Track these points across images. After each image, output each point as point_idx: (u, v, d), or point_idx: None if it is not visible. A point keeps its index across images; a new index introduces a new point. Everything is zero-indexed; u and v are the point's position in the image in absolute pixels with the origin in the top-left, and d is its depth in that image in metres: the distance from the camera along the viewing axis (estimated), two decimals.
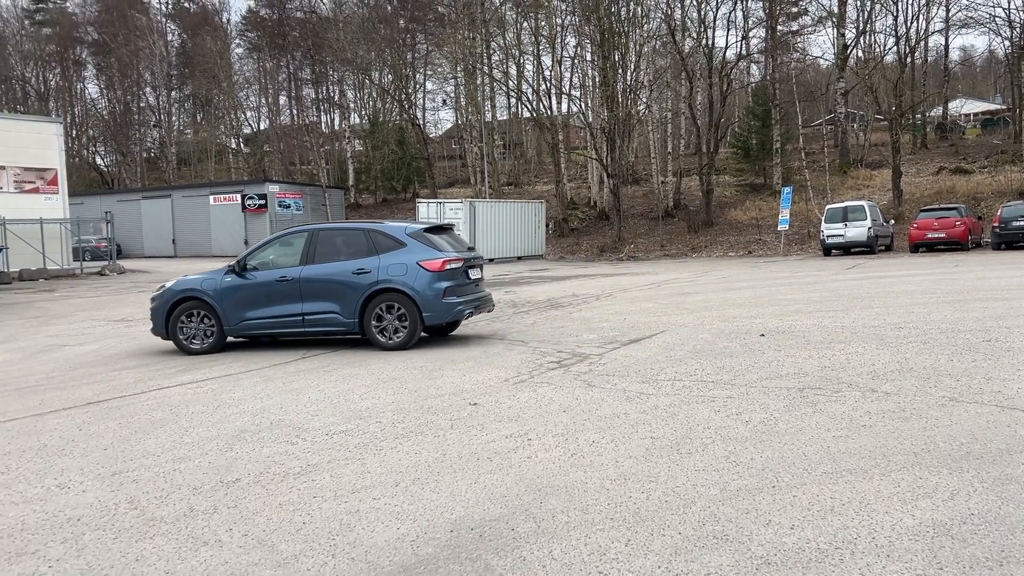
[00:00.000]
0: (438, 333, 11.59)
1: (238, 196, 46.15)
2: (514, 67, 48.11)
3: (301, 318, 10.70)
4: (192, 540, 4.26)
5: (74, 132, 64.47)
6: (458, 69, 50.81)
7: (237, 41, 66.99)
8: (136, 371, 9.93)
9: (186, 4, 71.26)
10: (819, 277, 19.96)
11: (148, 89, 65.74)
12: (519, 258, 35.58)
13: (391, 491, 4.93)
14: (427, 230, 11.12)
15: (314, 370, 9.47)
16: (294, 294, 10.68)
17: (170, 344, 11.44)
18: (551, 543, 4.01)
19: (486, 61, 47.10)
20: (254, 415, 7.20)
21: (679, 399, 7.00)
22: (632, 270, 26.02)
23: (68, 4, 71.83)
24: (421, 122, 56.15)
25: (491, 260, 33.73)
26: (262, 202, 45.06)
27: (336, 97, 59.77)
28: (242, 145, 65.57)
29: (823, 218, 30.23)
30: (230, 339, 11.39)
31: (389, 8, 57.86)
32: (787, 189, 33.44)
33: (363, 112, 58.80)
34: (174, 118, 68.36)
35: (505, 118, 57.33)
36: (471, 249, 12.13)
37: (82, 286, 26.95)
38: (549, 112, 43.95)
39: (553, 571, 3.71)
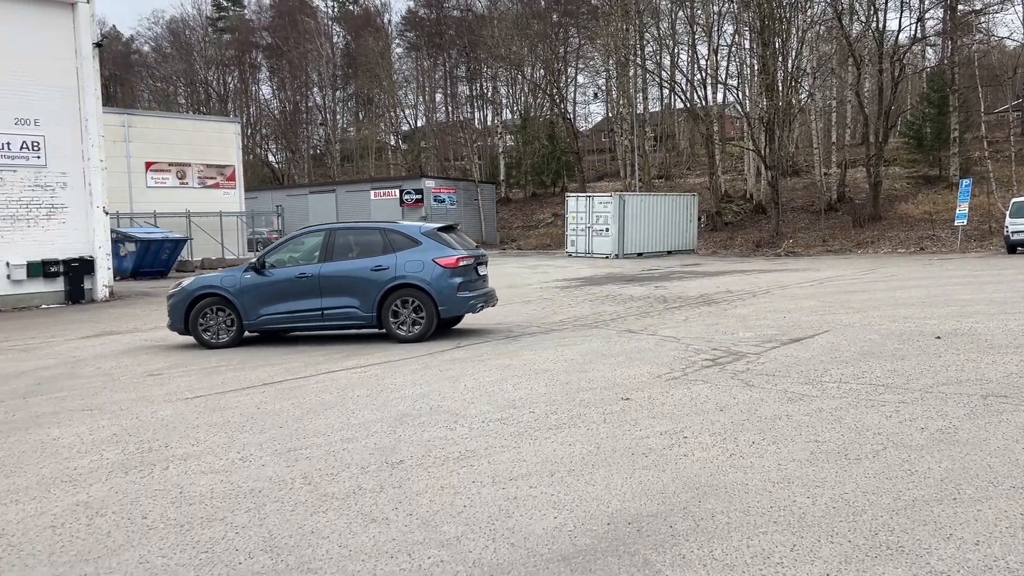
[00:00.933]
0: (440, 327, 11.61)
1: (396, 191, 48.03)
2: (668, 57, 47.26)
3: (320, 312, 11.22)
4: (361, 517, 4.49)
5: (249, 131, 69.20)
6: (610, 61, 50.50)
7: (397, 41, 69.67)
8: (304, 355, 10.55)
9: (350, 7, 74.81)
10: (1002, 276, 18.36)
11: (315, 89, 69.68)
12: (669, 253, 34.96)
13: (547, 480, 4.99)
14: (440, 229, 11.73)
15: (468, 359, 9.73)
16: (313, 290, 11.18)
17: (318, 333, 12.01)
18: (711, 543, 3.93)
19: (639, 52, 46.49)
20: (414, 400, 7.49)
21: (846, 402, 6.66)
22: (791, 266, 24.95)
23: (246, 11, 77.23)
24: (571, 116, 56.29)
25: (640, 254, 33.33)
26: (418, 197, 46.68)
27: (489, 93, 60.98)
28: (400, 142, 68.19)
29: (1007, 212, 27.77)
30: (247, 334, 11.66)
31: (543, 3, 58.28)
32: (966, 181, 30.95)
33: (515, 107, 59.64)
34: (338, 116, 72.05)
35: (657, 110, 56.41)
36: (478, 247, 12.61)
37: None
38: (704, 102, 42.86)
39: (714, 571, 3.63)
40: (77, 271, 18.95)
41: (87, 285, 19.23)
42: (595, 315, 13.76)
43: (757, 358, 8.94)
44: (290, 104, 70.69)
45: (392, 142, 69.93)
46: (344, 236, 11.59)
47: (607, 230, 33.33)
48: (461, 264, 11.21)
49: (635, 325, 12.23)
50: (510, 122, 59.72)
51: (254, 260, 11.62)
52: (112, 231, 21.10)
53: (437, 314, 11.07)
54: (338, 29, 72.48)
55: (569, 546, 3.97)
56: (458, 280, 11.14)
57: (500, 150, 57.63)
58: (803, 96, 40.50)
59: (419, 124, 65.93)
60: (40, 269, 18.35)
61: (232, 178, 35.08)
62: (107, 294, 19.56)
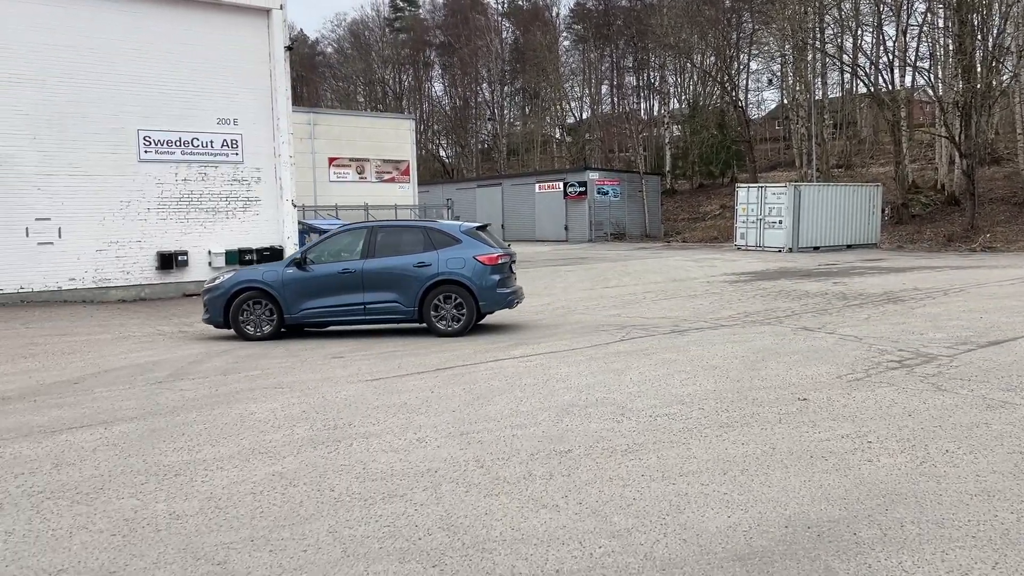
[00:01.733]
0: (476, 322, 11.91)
1: (560, 184, 48.35)
2: (850, 40, 44.52)
3: (363, 307, 11.57)
4: (532, 502, 4.58)
5: (422, 127, 71.98)
6: (786, 46, 48.24)
7: (564, 34, 70.00)
8: (473, 343, 10.87)
9: (520, 2, 75.92)
10: None
11: (484, 85, 71.36)
12: (848, 247, 32.99)
13: (719, 479, 4.87)
14: (478, 228, 12.16)
15: (633, 353, 9.66)
16: (356, 285, 11.52)
17: (484, 321, 12.32)
18: (900, 554, 3.69)
19: (818, 35, 44.11)
20: (580, 391, 7.53)
21: None
22: (988, 263, 22.87)
23: (421, 11, 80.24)
24: (743, 104, 54.31)
25: (816, 248, 31.69)
26: (582, 189, 46.75)
27: (656, 83, 60.00)
28: (565, 135, 68.55)
29: None
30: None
31: None
32: None
33: (683, 97, 58.35)
34: (505, 111, 73.45)
35: (836, 95, 53.35)
36: (508, 246, 12.87)
37: None
38: (889, 87, 40.05)
39: None
40: (268, 259, 20.45)
41: None
42: (767, 311, 13.25)
43: (950, 361, 8.28)
44: (460, 100, 72.85)
45: (557, 135, 70.45)
46: (385, 233, 11.99)
47: (780, 222, 31.94)
48: (500, 262, 11.66)
49: (811, 323, 11.66)
50: (677, 112, 58.50)
51: (298, 255, 11.94)
52: (299, 222, 22.61)
53: (477, 309, 11.54)
54: (507, 24, 73.77)
55: (744, 546, 3.86)
56: (497, 277, 11.62)
57: (666, 140, 56.61)
58: (1005, 78, 36.93)
59: (584, 116, 65.98)
60: (236, 257, 19.96)
61: (406, 172, 36.62)
62: None
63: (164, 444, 6.05)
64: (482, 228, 12.39)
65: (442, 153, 76.76)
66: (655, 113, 61.70)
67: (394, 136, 36.40)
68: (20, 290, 17.04)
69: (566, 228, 48.13)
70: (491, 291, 11.54)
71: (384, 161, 36.36)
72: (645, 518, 4.27)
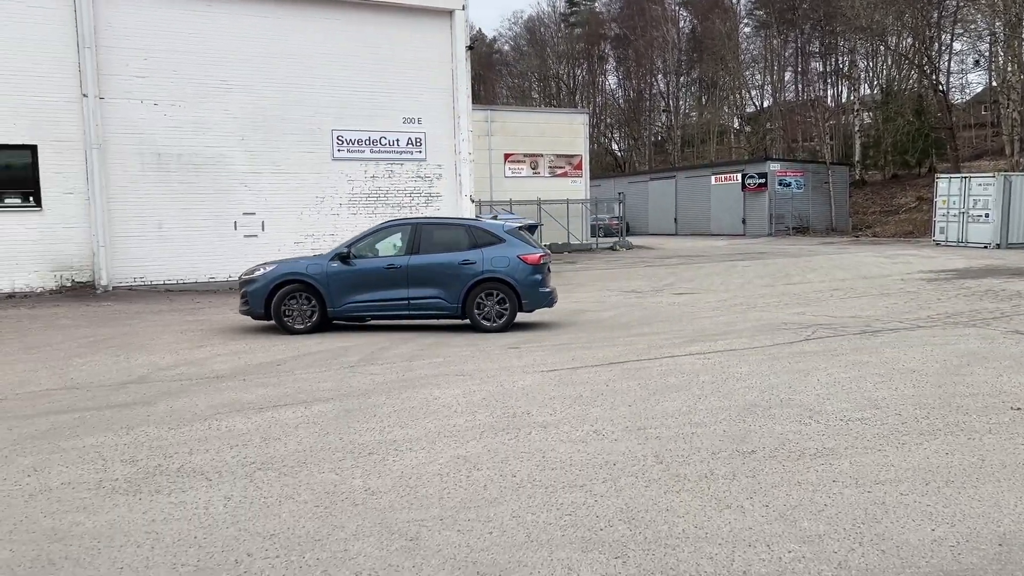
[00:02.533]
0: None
1: (738, 175, 46.77)
2: None
3: (407, 302, 11.71)
4: (715, 501, 4.48)
5: (594, 121, 71.97)
6: (996, 23, 43.95)
7: (745, 21, 67.54)
8: (648, 337, 10.76)
9: None
10: None
11: (659, 76, 70.25)
12: None
13: (920, 489, 4.55)
14: (520, 228, 12.46)
15: (819, 353, 9.19)
16: (401, 280, 11.66)
17: (657, 317, 12.12)
18: None
19: None
20: (762, 391, 7.27)
21: None
22: None
23: (596, 4, 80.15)
24: (943, 88, 50.06)
25: None
26: (762, 181, 44.97)
27: (845, 68, 56.55)
28: (744, 124, 66.18)
29: None
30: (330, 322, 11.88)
31: None
32: None
33: (875, 82, 54.64)
34: (680, 102, 71.95)
35: None
36: (546, 246, 12.52)
37: (597, 259, 30.10)
38: None
39: None
40: None
41: None
42: (971, 312, 12.18)
43: None
44: (634, 92, 72.15)
45: (735, 125, 68.13)
46: (430, 231, 12.11)
47: (986, 216, 29.23)
48: (542, 262, 11.92)
49: None
50: (868, 98, 54.87)
51: (342, 250, 11.87)
52: (475, 217, 23.31)
53: (520, 307, 11.80)
54: (684, 14, 72.20)
55: (952, 563, 3.59)
56: (539, 276, 11.89)
57: (856, 129, 53.25)
58: None
59: (765, 105, 63.38)
60: None
61: (579, 167, 36.78)
62: None
63: (358, 424, 6.45)
64: (531, 229, 12.55)
65: (614, 147, 76.41)
66: (843, 100, 58.28)
67: (567, 131, 36.65)
68: (230, 278, 18.70)
69: (743, 221, 46.51)
70: (534, 290, 11.84)
71: (557, 156, 36.70)
72: (838, 525, 4.06)
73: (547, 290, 12.10)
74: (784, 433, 5.82)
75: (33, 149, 16.88)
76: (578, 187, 36.56)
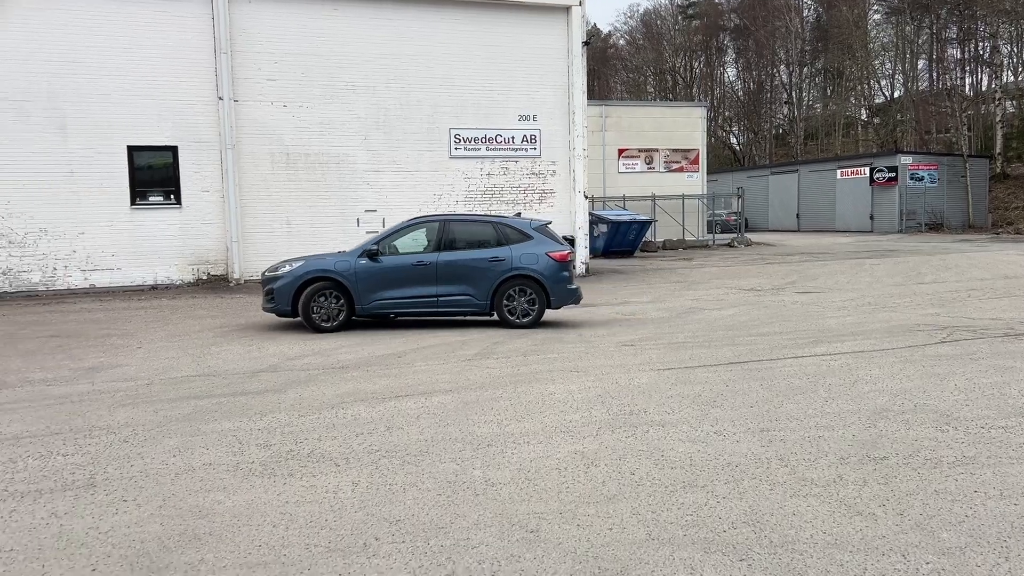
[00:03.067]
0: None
1: (866, 169, 44.66)
2: None
3: (436, 299, 11.72)
4: (844, 508, 4.32)
5: (712, 114, 70.34)
6: None
7: (875, 7, 64.31)
8: (769, 337, 10.44)
9: None
10: None
11: (781, 67, 67.89)
12: None
13: None
14: (546, 225, 12.56)
15: (957, 357, 8.68)
16: (430, 277, 11.67)
17: (779, 316, 11.70)
18: None
19: None
20: (894, 395, 6.94)
21: None
22: None
23: None
24: None
25: None
26: (892, 175, 42.78)
27: (986, 55, 52.97)
28: (872, 116, 63.10)
29: None
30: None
31: None
32: None
33: (1019, 68, 50.94)
34: (804, 93, 69.31)
35: None
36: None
37: (714, 256, 29.42)
38: None
39: None
40: None
41: None
42: None
43: None
44: (754, 84, 70.03)
45: (863, 116, 65.05)
46: (458, 227, 12.17)
47: None
48: (569, 259, 12.02)
49: None
50: (1012, 85, 51.23)
51: (370, 247, 11.76)
52: (588, 213, 23.24)
53: (548, 304, 11.90)
54: (809, 2, 69.47)
55: None
56: (567, 273, 12.01)
57: (997, 119, 49.83)
58: None
59: (895, 95, 60.22)
60: None
61: (696, 162, 36.06)
62: (583, 270, 21.65)
63: (476, 416, 6.57)
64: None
65: (733, 140, 74.43)
66: (983, 88, 54.67)
67: (684, 124, 35.98)
68: None
69: (871, 217, 44.43)
70: (562, 287, 11.94)
71: (673, 151, 36.10)
72: (980, 538, 3.83)
73: (574, 287, 12.20)
74: (919, 440, 5.54)
75: (174, 150, 18.02)
76: (694, 182, 35.85)
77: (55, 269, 17.28)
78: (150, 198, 18.04)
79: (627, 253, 29.67)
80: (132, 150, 17.70)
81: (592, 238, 27.26)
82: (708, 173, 39.37)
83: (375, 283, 11.58)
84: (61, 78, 16.99)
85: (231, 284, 18.25)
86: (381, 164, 19.62)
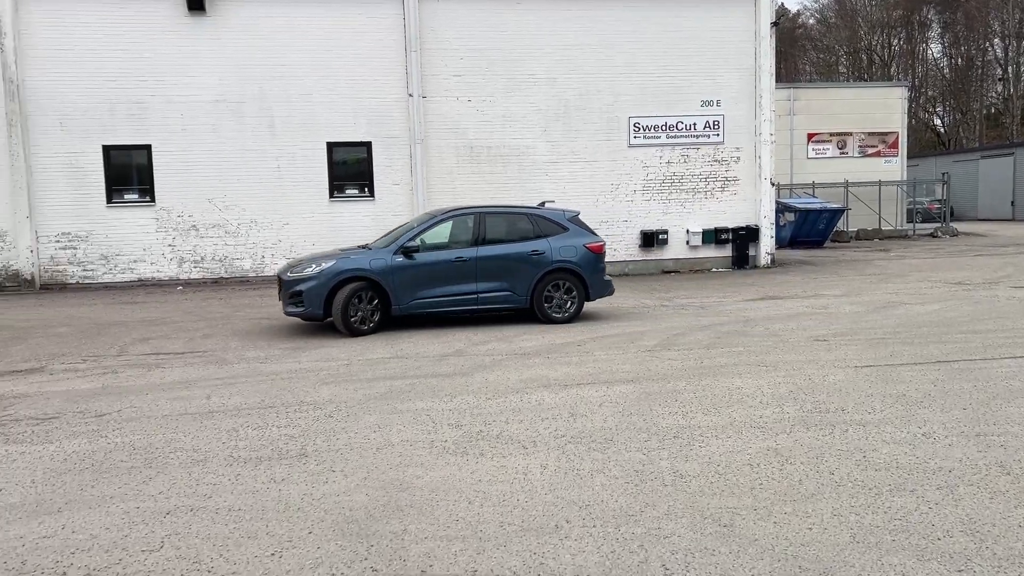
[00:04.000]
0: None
1: None
2: None
3: (475, 296, 11.15)
4: None
5: (913, 94, 65.15)
6: None
7: None
8: (982, 335, 9.55)
9: None
10: None
11: (995, 40, 61.68)
12: None
13: None
14: (577, 215, 12.11)
15: None
16: (469, 274, 11.08)
17: (992, 312, 10.63)
18: None
19: None
20: None
21: None
22: None
23: None
24: None
25: None
26: None
27: None
28: None
29: None
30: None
31: None
32: None
33: None
34: (1021, 68, 62.62)
35: None
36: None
37: (914, 247, 27.30)
38: None
39: None
40: (743, 239, 20.57)
41: (751, 252, 20.73)
42: None
43: None
44: (962, 60, 64.13)
45: None
46: (493, 220, 11.56)
47: None
48: (604, 250, 11.77)
49: None
50: None
51: (407, 243, 11.00)
52: (775, 201, 22.26)
53: (587, 296, 11.57)
54: None
55: None
56: (603, 265, 11.76)
57: None
58: None
59: None
60: (712, 236, 20.43)
61: (894, 145, 33.55)
62: (768, 261, 20.78)
63: (659, 407, 6.49)
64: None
65: (936, 122, 68.62)
66: None
67: (882, 106, 33.57)
68: None
69: None
70: (599, 279, 11.68)
71: (868, 134, 33.81)
72: None
73: (607, 279, 11.94)
74: None
75: (368, 146, 19.08)
76: (892, 167, 33.38)
77: (263, 257, 18.83)
78: (346, 191, 19.22)
79: (816, 243, 28.16)
80: (331, 146, 18.92)
81: (778, 227, 26.08)
82: (908, 158, 36.51)
83: (414, 281, 10.89)
84: (271, 81, 18.45)
85: None
86: (559, 155, 19.78)
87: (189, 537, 4.07)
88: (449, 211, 11.87)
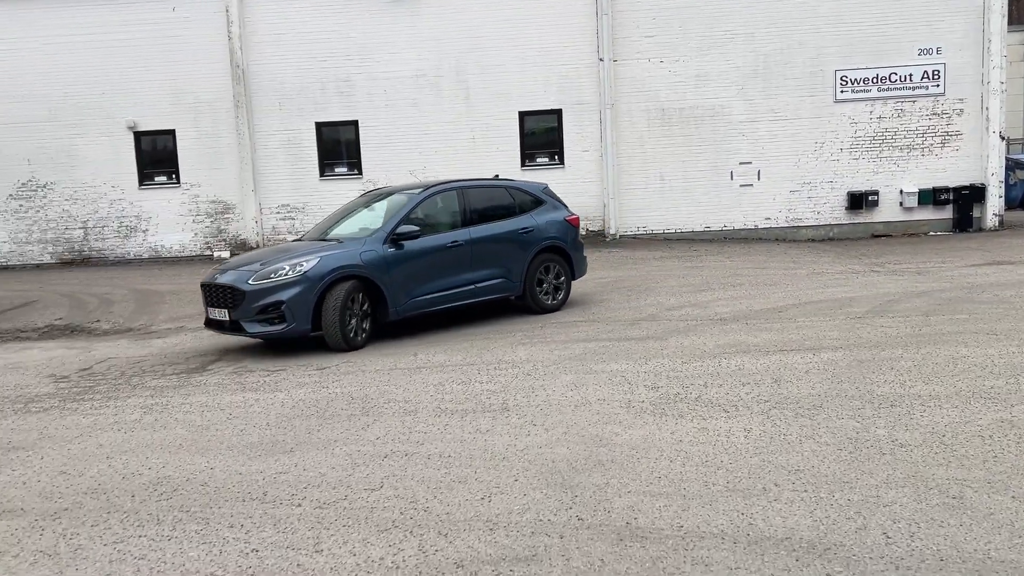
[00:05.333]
0: None
1: None
2: None
3: (472, 287, 9.28)
4: None
5: None
6: None
7: None
8: None
9: None
10: None
11: None
12: None
13: None
14: (547, 186, 10.84)
15: None
16: (464, 261, 9.20)
17: None
18: None
19: None
20: None
21: None
22: None
23: None
24: None
25: None
26: None
27: None
28: None
29: None
30: None
31: None
32: None
33: None
34: None
35: None
36: None
37: None
38: None
39: None
40: (966, 199, 18.70)
41: (975, 213, 18.83)
42: None
43: None
44: None
45: None
46: (475, 195, 9.79)
47: None
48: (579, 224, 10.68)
49: None
50: None
51: (402, 228, 8.82)
52: (1004, 158, 20.04)
53: (572, 276, 10.21)
54: None
55: None
56: (581, 240, 10.63)
57: None
58: None
59: None
60: (930, 197, 18.73)
61: None
62: (996, 223, 18.79)
63: (873, 375, 6.09)
64: None
65: None
66: None
67: None
68: (724, 228, 19.08)
69: None
70: (580, 255, 10.44)
71: None
72: None
73: (584, 255, 10.66)
74: None
75: (558, 114, 19.17)
76: None
77: None
78: (537, 159, 19.46)
79: None
80: (522, 115, 19.20)
81: (1008, 186, 23.46)
82: None
83: (411, 276, 8.79)
84: (466, 54, 18.96)
85: (607, 239, 19.07)
86: (757, 114, 18.87)
87: (405, 479, 4.34)
88: (431, 188, 9.58)
